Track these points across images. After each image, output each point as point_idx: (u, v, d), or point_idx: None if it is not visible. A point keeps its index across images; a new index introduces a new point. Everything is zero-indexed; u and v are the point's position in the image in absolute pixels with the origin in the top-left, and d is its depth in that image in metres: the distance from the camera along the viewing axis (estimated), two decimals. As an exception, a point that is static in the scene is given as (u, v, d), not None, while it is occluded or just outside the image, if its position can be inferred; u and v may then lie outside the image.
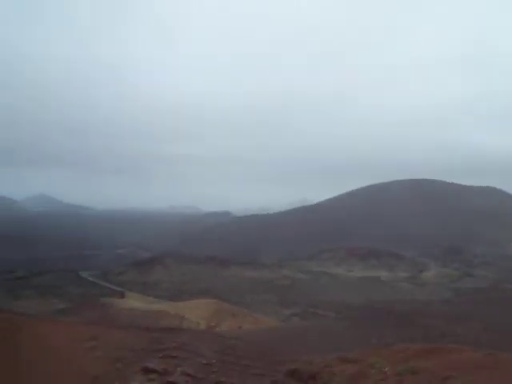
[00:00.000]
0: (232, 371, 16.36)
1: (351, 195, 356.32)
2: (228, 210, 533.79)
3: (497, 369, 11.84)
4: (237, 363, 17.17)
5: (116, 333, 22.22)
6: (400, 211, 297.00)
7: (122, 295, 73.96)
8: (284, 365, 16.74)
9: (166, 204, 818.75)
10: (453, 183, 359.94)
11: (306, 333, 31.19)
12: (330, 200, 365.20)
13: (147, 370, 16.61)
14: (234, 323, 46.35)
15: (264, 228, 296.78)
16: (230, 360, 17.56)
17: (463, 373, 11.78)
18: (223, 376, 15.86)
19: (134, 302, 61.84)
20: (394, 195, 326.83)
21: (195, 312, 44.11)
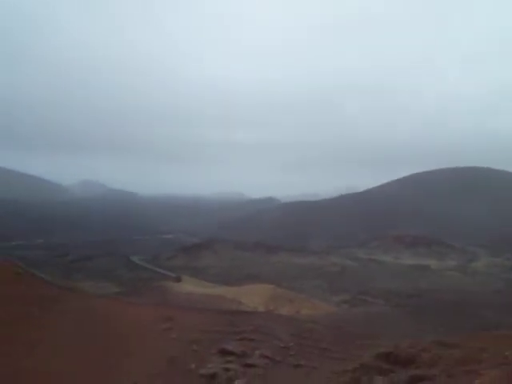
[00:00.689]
0: (310, 354, 16.55)
1: (399, 183, 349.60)
2: (273, 196, 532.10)
3: None
4: (315, 346, 17.37)
5: (189, 315, 22.81)
6: (448, 199, 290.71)
7: (178, 279, 75.18)
8: (366, 349, 16.88)
9: (211, 190, 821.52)
10: (502, 170, 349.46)
11: (369, 319, 31.28)
12: (377, 187, 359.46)
13: (225, 352, 17.06)
14: (291, 309, 46.63)
15: (311, 214, 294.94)
16: (308, 343, 17.72)
17: None
18: (302, 359, 16.12)
19: (190, 286, 62.87)
20: (441, 183, 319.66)
21: (252, 297, 44.54)
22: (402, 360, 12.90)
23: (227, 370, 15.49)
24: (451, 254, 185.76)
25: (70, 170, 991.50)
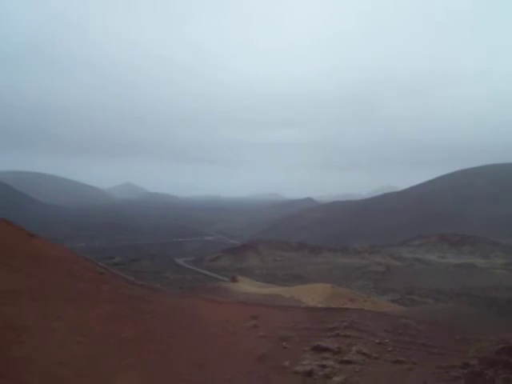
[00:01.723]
0: (408, 350, 16.47)
1: (440, 181, 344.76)
2: (311, 197, 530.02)
3: None
4: (412, 342, 17.33)
5: (274, 313, 22.90)
6: (492, 196, 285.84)
7: (235, 279, 75.72)
8: (468, 344, 16.90)
9: (249, 191, 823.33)
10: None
11: (446, 315, 31.02)
12: (418, 186, 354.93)
13: (319, 349, 17.19)
14: (352, 307, 46.41)
15: (352, 214, 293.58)
16: (404, 339, 17.61)
17: None
18: (400, 355, 16.10)
19: (246, 286, 63.37)
20: (484, 180, 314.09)
21: (311, 296, 44.61)
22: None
23: (324, 366, 15.45)
24: (497, 252, 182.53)
25: (109, 174, 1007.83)
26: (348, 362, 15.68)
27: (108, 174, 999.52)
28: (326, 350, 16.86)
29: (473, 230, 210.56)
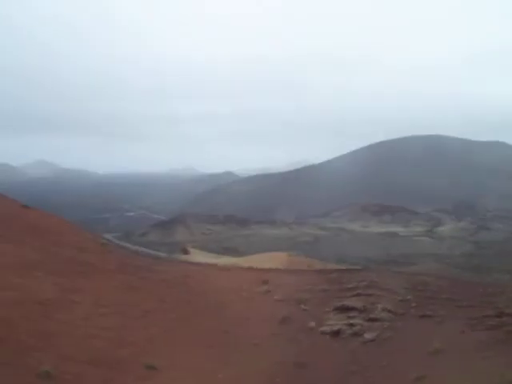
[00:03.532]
0: (433, 305, 16.53)
1: (360, 153, 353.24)
2: (230, 171, 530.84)
3: None
4: (435, 297, 17.37)
5: (285, 276, 22.72)
6: (411, 167, 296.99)
7: (186, 251, 74.16)
8: (495, 295, 17.09)
9: (165, 166, 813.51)
10: (462, 138, 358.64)
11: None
12: (337, 158, 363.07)
13: (343, 309, 17.14)
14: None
15: (274, 187, 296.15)
16: (427, 295, 17.60)
17: None
18: (426, 310, 16.18)
19: (200, 257, 62.46)
20: (404, 152, 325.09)
21: (269, 265, 44.72)
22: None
23: (351, 325, 15.56)
24: (416, 221, 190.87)
25: (22, 151, 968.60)
26: (375, 320, 15.75)
27: (20, 151, 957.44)
28: (351, 309, 16.84)
29: (392, 200, 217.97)
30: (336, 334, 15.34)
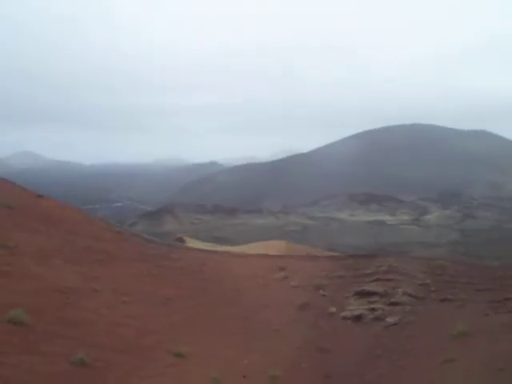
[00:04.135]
0: (453, 289, 16.79)
1: (348, 141, 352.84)
2: (215, 160, 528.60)
3: None
4: (454, 282, 17.59)
5: (301, 263, 22.89)
6: (397, 156, 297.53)
7: (182, 240, 73.71)
8: None
9: (151, 157, 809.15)
10: (448, 128, 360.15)
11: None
12: (324, 147, 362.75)
13: (364, 294, 17.29)
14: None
15: (260, 176, 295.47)
16: (445, 279, 17.84)
17: None
18: (447, 294, 16.44)
19: (198, 246, 62.16)
20: (390, 141, 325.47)
21: (269, 253, 44.68)
22: None
23: (373, 310, 15.76)
24: (403, 209, 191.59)
25: (6, 142, 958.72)
26: (396, 304, 15.98)
27: (4, 142, 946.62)
28: (372, 294, 17.07)
29: (379, 188, 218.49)
30: (358, 318, 15.61)
